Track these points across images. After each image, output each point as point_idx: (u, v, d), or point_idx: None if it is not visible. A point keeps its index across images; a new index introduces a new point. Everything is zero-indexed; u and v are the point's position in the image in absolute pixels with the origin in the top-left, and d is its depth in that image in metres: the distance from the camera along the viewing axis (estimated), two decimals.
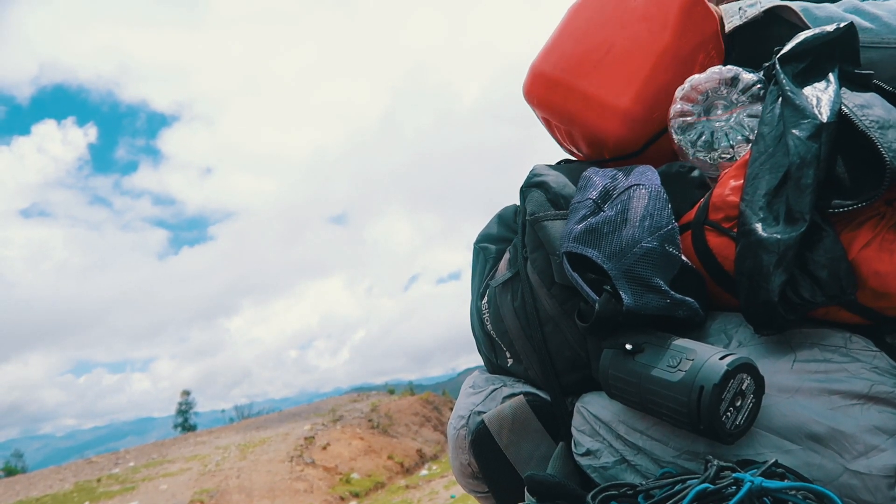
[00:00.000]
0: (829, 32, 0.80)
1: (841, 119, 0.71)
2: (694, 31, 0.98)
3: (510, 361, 0.96)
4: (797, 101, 0.74)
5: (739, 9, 1.04)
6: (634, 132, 0.99)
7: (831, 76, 0.76)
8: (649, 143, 1.01)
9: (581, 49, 1.01)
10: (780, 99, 0.78)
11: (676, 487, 0.64)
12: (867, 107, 0.72)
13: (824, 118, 0.71)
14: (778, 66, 0.80)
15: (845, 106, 0.72)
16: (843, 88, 0.76)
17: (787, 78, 0.78)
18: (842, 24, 0.80)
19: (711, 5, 1.01)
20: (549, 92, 1.04)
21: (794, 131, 0.73)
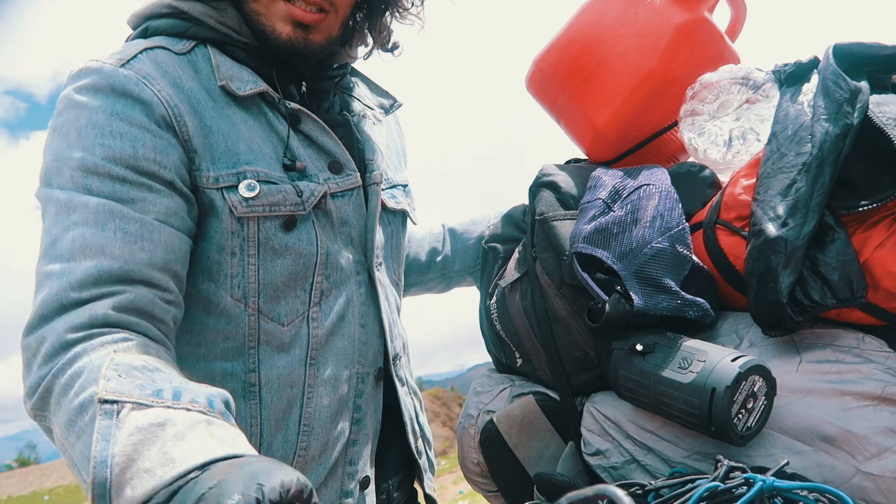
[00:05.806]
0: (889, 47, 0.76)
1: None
2: (689, 56, 0.94)
3: (519, 361, 0.96)
4: (836, 95, 0.72)
5: None
6: (604, 150, 1.03)
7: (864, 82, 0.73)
8: (622, 157, 1.03)
9: (576, 55, 1.01)
10: (820, 86, 0.74)
11: (686, 486, 0.64)
12: (884, 104, 0.71)
13: (854, 119, 0.70)
14: (831, 54, 0.76)
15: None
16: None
17: (836, 68, 0.74)
18: None
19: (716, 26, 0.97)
20: (544, 87, 1.07)
21: (825, 124, 0.71)
